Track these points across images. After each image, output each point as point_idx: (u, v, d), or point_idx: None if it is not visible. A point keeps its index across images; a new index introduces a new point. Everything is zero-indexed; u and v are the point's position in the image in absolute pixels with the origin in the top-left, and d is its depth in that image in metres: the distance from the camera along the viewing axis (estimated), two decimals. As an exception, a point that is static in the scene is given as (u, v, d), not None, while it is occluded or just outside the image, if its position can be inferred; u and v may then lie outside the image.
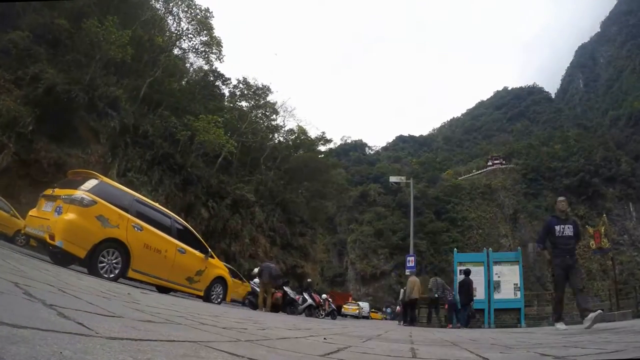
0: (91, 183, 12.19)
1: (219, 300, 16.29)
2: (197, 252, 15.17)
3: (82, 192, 11.70)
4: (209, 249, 15.96)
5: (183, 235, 14.82)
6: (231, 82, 67.11)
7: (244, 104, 66.34)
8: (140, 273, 12.80)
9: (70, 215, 11.24)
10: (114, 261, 11.81)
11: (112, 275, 11.67)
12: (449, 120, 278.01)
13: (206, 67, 60.89)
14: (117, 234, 12.00)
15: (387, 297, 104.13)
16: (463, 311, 22.96)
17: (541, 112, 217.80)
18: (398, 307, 40.82)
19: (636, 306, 23.60)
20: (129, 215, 12.54)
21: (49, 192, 12.53)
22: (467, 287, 22.88)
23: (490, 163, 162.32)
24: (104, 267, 11.51)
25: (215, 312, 8.94)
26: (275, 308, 22.15)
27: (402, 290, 34.33)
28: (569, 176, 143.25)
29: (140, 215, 13.03)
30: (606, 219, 32.50)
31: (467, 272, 23.38)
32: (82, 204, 11.45)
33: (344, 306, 50.44)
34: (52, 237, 10.97)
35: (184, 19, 51.57)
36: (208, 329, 4.69)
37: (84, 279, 8.79)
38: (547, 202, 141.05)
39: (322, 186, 73.67)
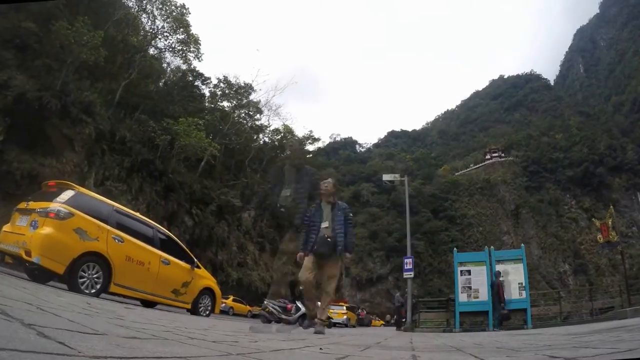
0: (67, 194, 12.08)
1: (208, 312, 16.26)
2: (182, 263, 15.09)
3: (58, 204, 11.59)
4: (195, 259, 15.89)
5: (167, 245, 14.77)
6: (211, 82, 67.23)
7: (225, 104, 66.52)
8: (123, 287, 12.70)
9: (46, 230, 11.14)
10: (94, 276, 11.76)
11: (93, 291, 11.58)
12: (443, 112, 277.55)
13: (184, 67, 60.94)
14: (97, 247, 11.90)
15: (385, 302, 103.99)
16: (494, 312, 23.19)
17: (540, 100, 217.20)
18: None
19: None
20: (108, 227, 12.44)
21: (23, 205, 12.42)
22: (496, 289, 23.14)
23: (488, 156, 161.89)
24: (84, 282, 11.44)
25: (204, 325, 8.95)
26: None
27: (397, 294, 34.58)
28: (572, 167, 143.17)
29: (120, 226, 12.95)
30: (613, 210, 32.62)
31: (497, 274, 23.66)
32: (59, 217, 11.34)
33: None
34: (28, 253, 10.88)
35: (158, 17, 51.66)
36: (197, 344, 4.67)
37: (64, 296, 8.77)
38: (550, 195, 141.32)
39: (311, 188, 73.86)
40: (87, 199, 12.68)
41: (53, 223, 11.26)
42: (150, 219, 16.07)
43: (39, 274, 11.60)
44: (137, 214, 15.18)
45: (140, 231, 13.82)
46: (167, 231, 16.02)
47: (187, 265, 15.31)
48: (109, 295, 12.68)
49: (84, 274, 11.50)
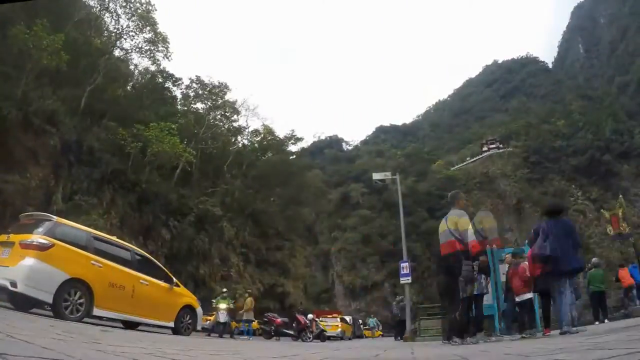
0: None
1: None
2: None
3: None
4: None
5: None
6: (183, 83, 67.25)
7: (199, 105, 66.72)
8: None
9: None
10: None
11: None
12: (434, 103, 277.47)
13: (153, 68, 60.85)
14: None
15: (382, 311, 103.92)
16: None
17: (538, 85, 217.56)
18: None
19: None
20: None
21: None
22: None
23: (485, 148, 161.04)
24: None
25: (188, 344, 9.22)
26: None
27: (394, 303, 34.86)
28: (577, 155, 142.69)
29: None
30: (623, 200, 32.84)
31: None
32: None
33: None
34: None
35: (122, 16, 51.63)
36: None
37: (36, 322, 9.06)
38: (554, 187, 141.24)
39: (297, 191, 73.89)
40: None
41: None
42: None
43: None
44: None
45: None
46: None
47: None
48: (92, 318, 13.48)
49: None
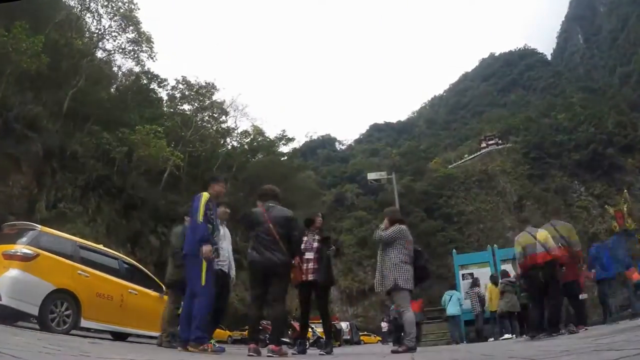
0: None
1: None
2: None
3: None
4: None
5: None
6: (168, 83, 67.06)
7: (186, 107, 66.38)
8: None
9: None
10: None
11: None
12: (430, 99, 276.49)
13: (137, 69, 60.91)
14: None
15: (380, 315, 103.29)
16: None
17: (537, 78, 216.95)
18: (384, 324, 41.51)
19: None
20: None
21: None
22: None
23: (483, 144, 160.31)
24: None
25: (180, 356, 9.18)
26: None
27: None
28: (579, 150, 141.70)
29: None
30: (628, 195, 32.74)
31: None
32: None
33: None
34: None
35: (104, 15, 51.63)
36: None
37: (19, 335, 9.04)
38: (555, 183, 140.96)
39: (289, 194, 73.54)
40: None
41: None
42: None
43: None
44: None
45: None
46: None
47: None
48: (79, 330, 13.33)
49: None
